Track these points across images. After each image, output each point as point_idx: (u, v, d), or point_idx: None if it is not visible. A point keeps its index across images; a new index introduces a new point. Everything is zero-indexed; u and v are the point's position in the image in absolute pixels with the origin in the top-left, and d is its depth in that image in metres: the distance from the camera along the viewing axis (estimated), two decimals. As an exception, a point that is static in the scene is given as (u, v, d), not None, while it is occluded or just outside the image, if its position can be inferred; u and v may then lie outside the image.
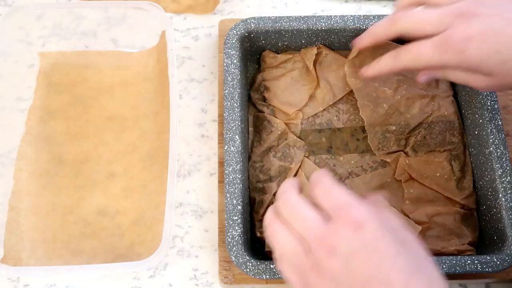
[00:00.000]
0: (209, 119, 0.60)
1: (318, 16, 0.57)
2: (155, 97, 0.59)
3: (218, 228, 0.54)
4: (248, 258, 0.49)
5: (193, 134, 0.59)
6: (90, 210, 0.55)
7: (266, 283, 0.52)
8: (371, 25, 0.56)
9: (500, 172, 0.52)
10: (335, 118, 0.57)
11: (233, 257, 0.49)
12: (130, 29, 0.62)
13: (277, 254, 0.41)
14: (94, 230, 0.54)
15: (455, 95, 0.58)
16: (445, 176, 0.55)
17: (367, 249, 0.37)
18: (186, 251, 0.55)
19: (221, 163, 0.56)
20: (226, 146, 0.52)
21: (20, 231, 0.54)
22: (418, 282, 0.37)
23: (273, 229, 0.41)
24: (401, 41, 0.51)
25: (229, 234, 0.49)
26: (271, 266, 0.49)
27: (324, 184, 0.41)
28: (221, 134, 0.57)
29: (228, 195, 0.51)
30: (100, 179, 0.57)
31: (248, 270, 0.49)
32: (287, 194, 0.42)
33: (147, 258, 0.49)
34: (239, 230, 0.50)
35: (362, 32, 0.53)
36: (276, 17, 0.57)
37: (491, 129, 0.53)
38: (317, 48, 0.58)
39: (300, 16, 0.57)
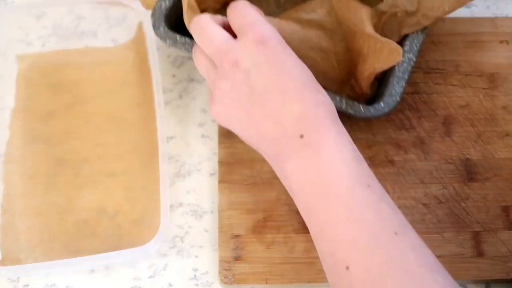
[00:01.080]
0: (209, 119, 0.60)
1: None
2: (138, 90, 0.59)
3: (218, 228, 0.54)
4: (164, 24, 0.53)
5: (193, 134, 0.59)
6: (90, 210, 0.55)
7: (266, 283, 0.52)
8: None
9: None
10: None
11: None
12: (130, 29, 0.62)
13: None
14: (94, 230, 0.54)
15: None
16: None
17: (268, 62, 0.41)
18: (186, 251, 0.55)
19: (221, 163, 0.56)
20: None
21: (16, 232, 0.54)
22: (308, 90, 0.42)
23: (194, 54, 0.47)
24: None
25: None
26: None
27: (238, 6, 0.44)
28: (221, 134, 0.57)
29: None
30: (100, 179, 0.57)
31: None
32: (200, 17, 0.45)
33: (145, 244, 0.49)
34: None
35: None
36: None
37: None
38: None
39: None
